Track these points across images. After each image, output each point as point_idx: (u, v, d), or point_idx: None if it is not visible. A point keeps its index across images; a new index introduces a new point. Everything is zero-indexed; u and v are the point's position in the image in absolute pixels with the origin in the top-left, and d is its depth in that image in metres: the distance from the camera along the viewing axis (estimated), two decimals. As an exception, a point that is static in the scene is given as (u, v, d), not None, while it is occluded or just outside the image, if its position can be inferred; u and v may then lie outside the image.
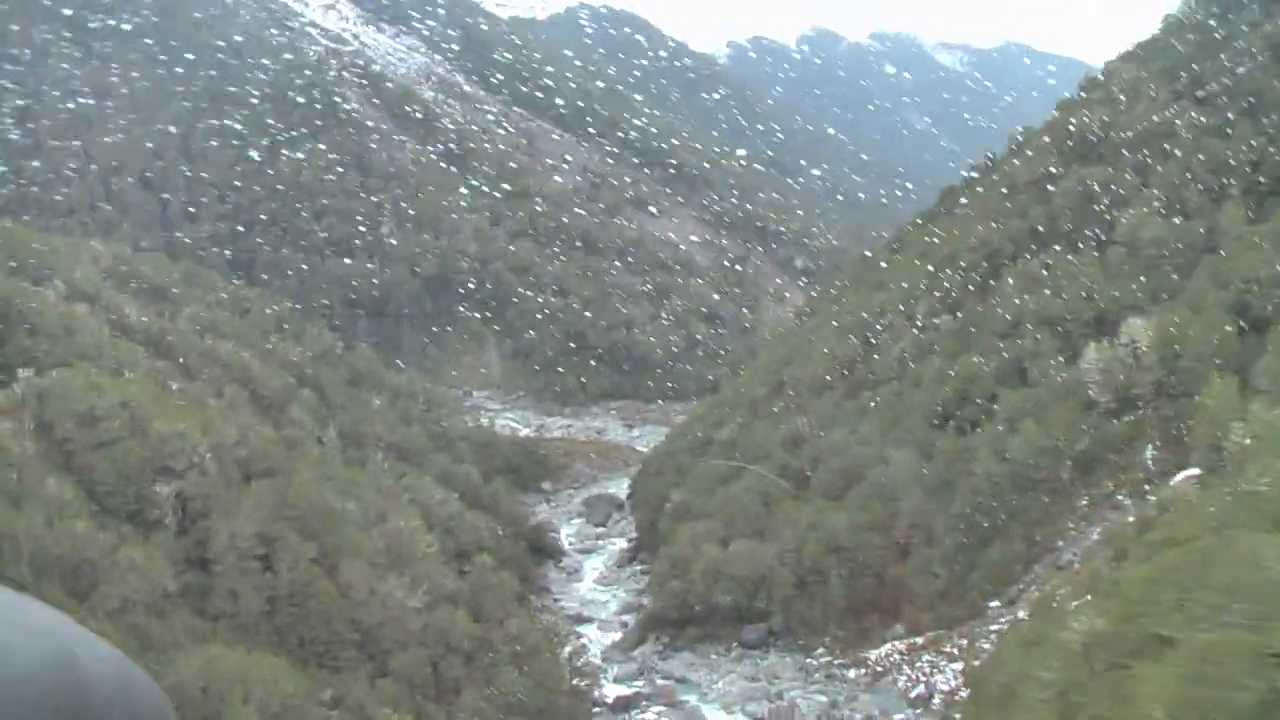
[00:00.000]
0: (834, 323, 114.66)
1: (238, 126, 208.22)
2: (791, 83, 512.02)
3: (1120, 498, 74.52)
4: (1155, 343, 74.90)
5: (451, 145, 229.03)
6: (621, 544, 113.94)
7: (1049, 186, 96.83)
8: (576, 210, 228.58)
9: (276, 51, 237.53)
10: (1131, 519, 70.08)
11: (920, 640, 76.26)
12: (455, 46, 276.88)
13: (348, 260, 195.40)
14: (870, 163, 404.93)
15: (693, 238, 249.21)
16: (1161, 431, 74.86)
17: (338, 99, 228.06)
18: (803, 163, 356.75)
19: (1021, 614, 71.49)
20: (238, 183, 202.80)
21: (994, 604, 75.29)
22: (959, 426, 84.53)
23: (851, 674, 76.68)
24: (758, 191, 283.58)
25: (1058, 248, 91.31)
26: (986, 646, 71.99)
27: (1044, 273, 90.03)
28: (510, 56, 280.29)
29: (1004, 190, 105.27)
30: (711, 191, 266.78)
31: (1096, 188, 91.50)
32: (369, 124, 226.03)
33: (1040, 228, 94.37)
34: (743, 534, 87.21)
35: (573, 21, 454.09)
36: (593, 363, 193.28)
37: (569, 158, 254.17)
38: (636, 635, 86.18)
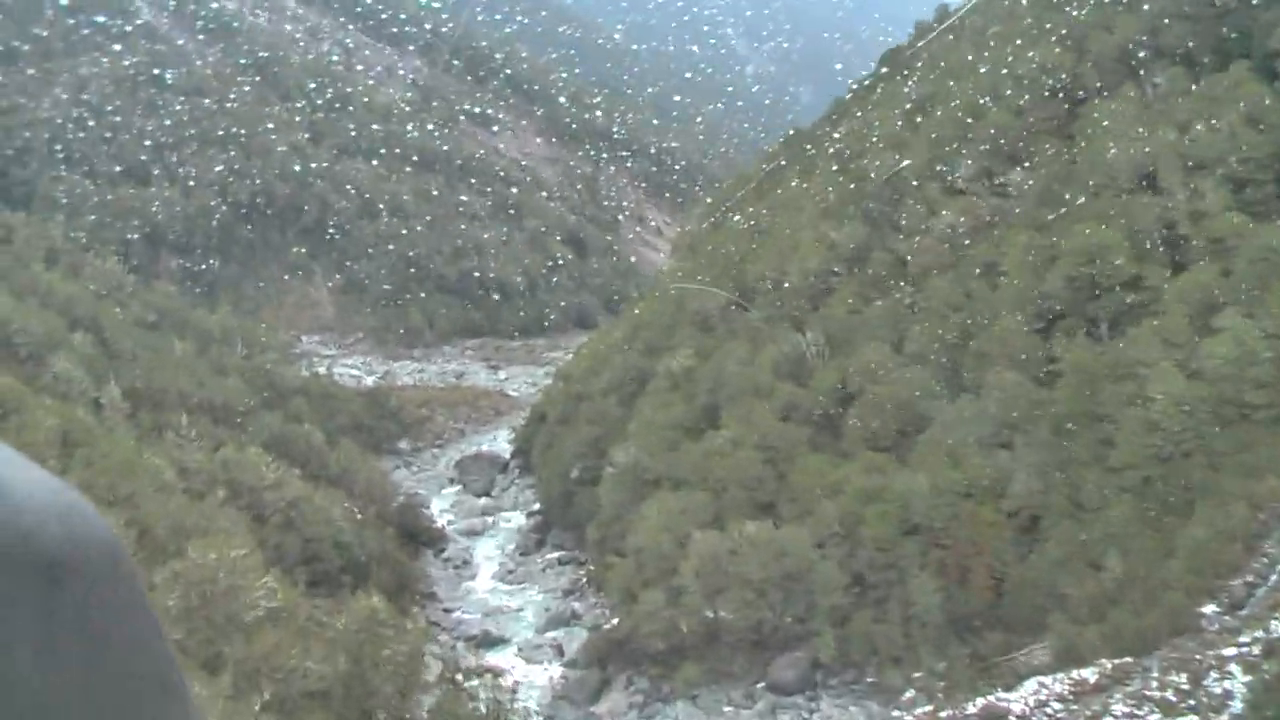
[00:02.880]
0: (804, 205, 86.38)
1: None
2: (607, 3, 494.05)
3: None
4: None
5: (261, 56, 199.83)
6: (519, 519, 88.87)
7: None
8: (407, 125, 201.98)
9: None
10: None
11: (1091, 675, 48.17)
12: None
13: (145, 188, 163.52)
14: (694, 80, 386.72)
15: (537, 152, 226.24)
16: None
17: (126, 5, 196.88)
18: (627, 78, 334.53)
19: (1280, 628, 44.74)
20: (4, 101, 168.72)
21: (1211, 610, 47.98)
22: (1092, 329, 56.73)
23: (982, 737, 49.30)
24: (596, 106, 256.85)
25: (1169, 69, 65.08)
26: (1228, 687, 44.40)
27: (1172, 99, 63.05)
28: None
29: (1040, 7, 78.17)
30: (551, 104, 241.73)
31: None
32: (163, 34, 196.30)
33: (1140, 47, 67.56)
34: (745, 509, 59.26)
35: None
36: (441, 296, 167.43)
37: (393, 69, 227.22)
38: (595, 677, 58.45)
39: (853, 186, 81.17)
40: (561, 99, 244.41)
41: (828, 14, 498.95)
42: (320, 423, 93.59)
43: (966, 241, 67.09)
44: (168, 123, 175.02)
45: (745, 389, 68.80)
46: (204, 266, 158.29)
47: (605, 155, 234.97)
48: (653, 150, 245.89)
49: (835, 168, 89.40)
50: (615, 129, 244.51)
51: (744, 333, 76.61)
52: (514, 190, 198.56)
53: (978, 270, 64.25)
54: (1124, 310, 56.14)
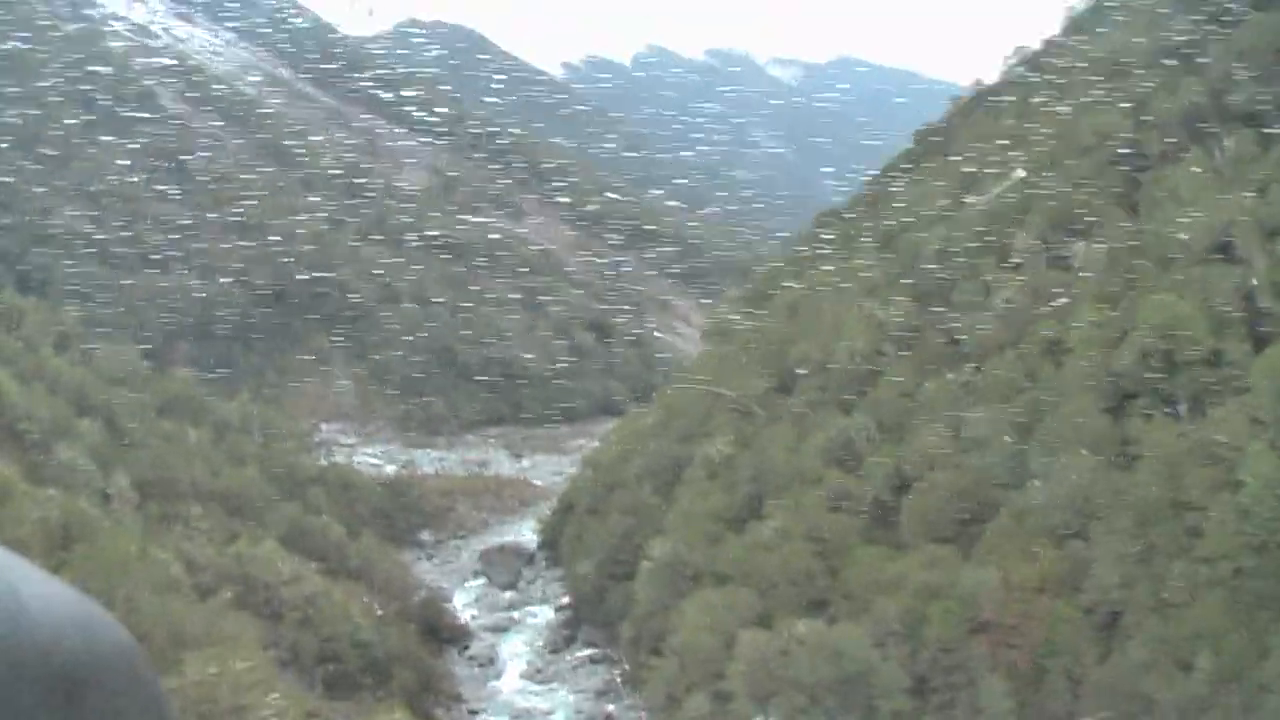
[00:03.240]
0: (845, 285, 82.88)
1: (18, 122, 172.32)
2: (628, 100, 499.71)
3: None
4: None
5: (282, 143, 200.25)
6: (547, 614, 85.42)
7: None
8: (430, 211, 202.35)
9: (74, 43, 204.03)
10: None
11: (1185, 792, 44.39)
12: (282, 42, 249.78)
13: (164, 274, 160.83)
14: (718, 177, 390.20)
15: (562, 239, 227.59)
16: None
17: (147, 94, 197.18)
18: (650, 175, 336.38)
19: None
20: (31, 188, 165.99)
21: (1307, 720, 44.05)
22: (1169, 408, 52.68)
23: None
24: (622, 196, 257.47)
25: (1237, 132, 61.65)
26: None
27: (1243, 163, 59.49)
28: (341, 52, 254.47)
29: (1095, 74, 74.97)
30: (575, 192, 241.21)
31: None
32: (185, 122, 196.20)
33: (1205, 110, 64.24)
34: (794, 607, 55.08)
35: (404, 41, 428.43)
36: (464, 383, 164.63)
37: (416, 156, 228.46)
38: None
39: (899, 263, 77.62)
40: (590, 204, 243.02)
41: (814, 117, 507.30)
42: (339, 513, 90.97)
43: (1027, 317, 63.35)
44: (188, 209, 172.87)
45: (791, 477, 64.84)
46: (223, 353, 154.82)
47: (629, 243, 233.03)
48: (672, 248, 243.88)
49: (877, 245, 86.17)
50: (637, 219, 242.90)
51: (790, 417, 72.74)
52: (538, 277, 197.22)
53: (1041, 348, 60.45)
54: (1204, 388, 52.13)
